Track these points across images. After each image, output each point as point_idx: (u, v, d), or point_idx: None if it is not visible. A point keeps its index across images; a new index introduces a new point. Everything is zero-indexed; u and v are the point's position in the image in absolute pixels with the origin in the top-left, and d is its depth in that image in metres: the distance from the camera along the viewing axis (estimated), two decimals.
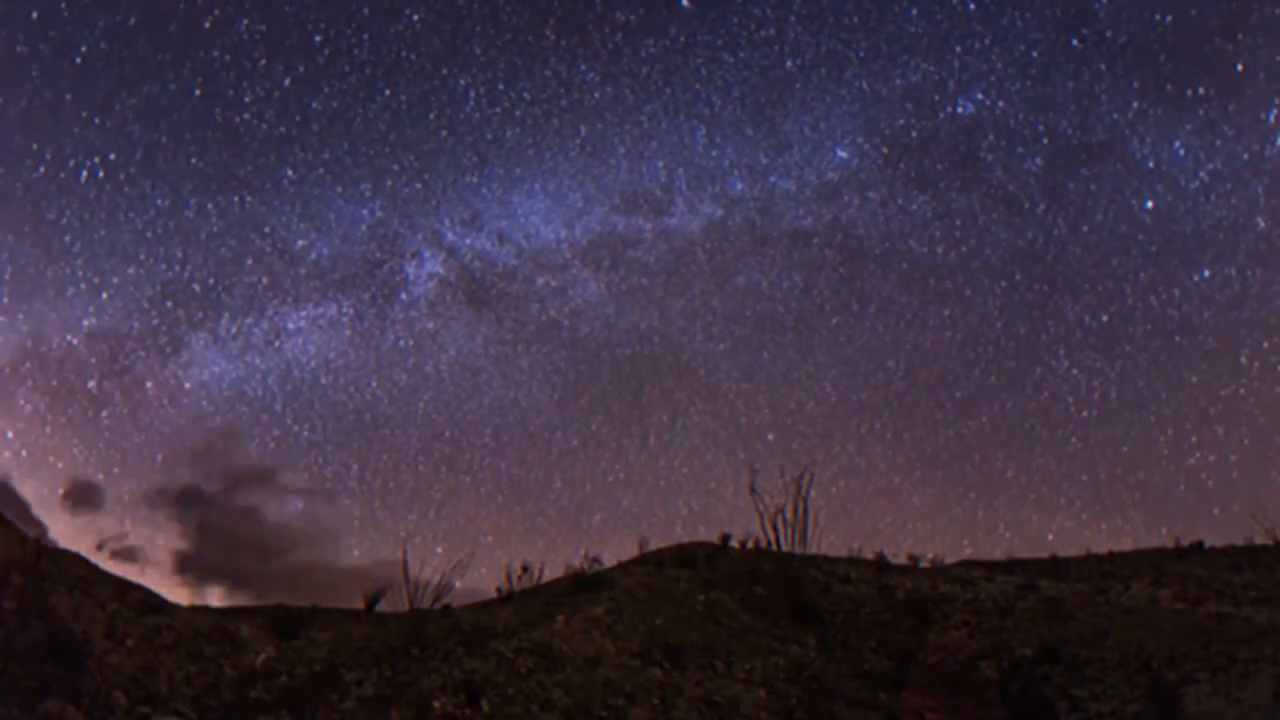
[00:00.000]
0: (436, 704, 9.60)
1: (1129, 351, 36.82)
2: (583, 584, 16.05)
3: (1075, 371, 37.55)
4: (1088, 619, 16.62)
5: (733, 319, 40.03)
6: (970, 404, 39.02)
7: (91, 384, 32.71)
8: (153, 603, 12.00)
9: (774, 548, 18.44)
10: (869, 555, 23.75)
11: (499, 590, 17.43)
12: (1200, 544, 26.48)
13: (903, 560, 24.36)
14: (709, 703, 11.20)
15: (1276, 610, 16.71)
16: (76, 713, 7.71)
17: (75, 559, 12.59)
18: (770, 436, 38.52)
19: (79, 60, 31.52)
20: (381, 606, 14.76)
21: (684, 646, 13.02)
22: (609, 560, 19.86)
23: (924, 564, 24.36)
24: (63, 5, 30.94)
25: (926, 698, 12.26)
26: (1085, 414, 37.41)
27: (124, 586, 12.29)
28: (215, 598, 34.31)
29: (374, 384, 36.86)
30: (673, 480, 37.49)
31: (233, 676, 9.74)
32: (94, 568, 12.82)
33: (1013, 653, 14.33)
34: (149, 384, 33.78)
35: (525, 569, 17.80)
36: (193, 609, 13.44)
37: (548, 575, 17.95)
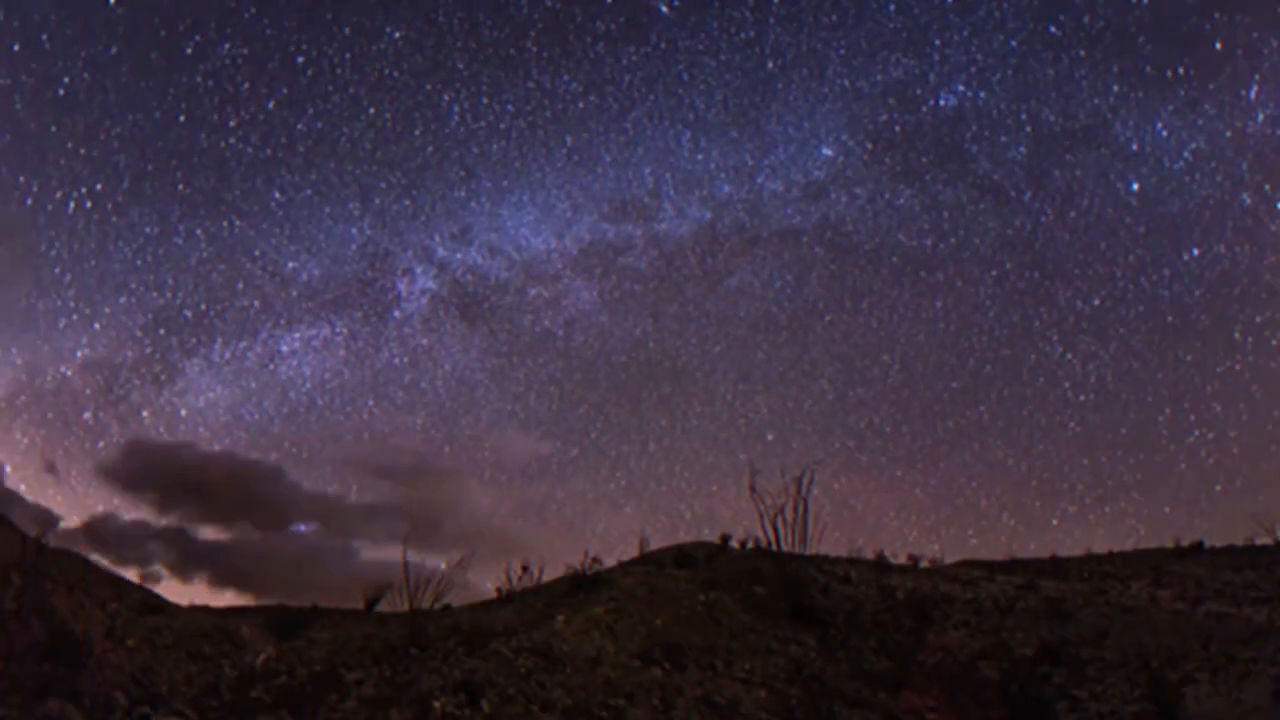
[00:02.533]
0: (436, 704, 9.58)
1: (1122, 334, 36.79)
2: (583, 584, 16.05)
3: (1070, 356, 37.56)
4: (1088, 619, 16.62)
5: (727, 321, 40.01)
6: (967, 394, 39.01)
7: (88, 415, 32.48)
8: (153, 603, 12.00)
9: (774, 548, 18.43)
10: (870, 554, 23.79)
11: (499, 590, 17.45)
12: (1200, 544, 26.52)
13: (903, 560, 24.43)
14: (709, 703, 11.19)
15: (1276, 610, 16.71)
16: (76, 712, 7.70)
17: (75, 559, 12.59)
18: (770, 436, 38.47)
19: (62, 91, 31.44)
20: (381, 607, 14.77)
21: (684, 646, 13.01)
22: (610, 564, 19.86)
23: (924, 564, 24.42)
24: (44, 37, 30.82)
25: (926, 698, 12.24)
26: (1082, 398, 37.39)
27: (124, 586, 12.30)
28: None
29: (370, 402, 36.66)
30: (674, 485, 37.43)
31: (233, 676, 9.73)
32: (94, 568, 12.84)
33: (1013, 653, 14.31)
34: (145, 413, 33.55)
35: (525, 569, 17.83)
36: (193, 609, 13.44)
37: (548, 576, 17.97)
